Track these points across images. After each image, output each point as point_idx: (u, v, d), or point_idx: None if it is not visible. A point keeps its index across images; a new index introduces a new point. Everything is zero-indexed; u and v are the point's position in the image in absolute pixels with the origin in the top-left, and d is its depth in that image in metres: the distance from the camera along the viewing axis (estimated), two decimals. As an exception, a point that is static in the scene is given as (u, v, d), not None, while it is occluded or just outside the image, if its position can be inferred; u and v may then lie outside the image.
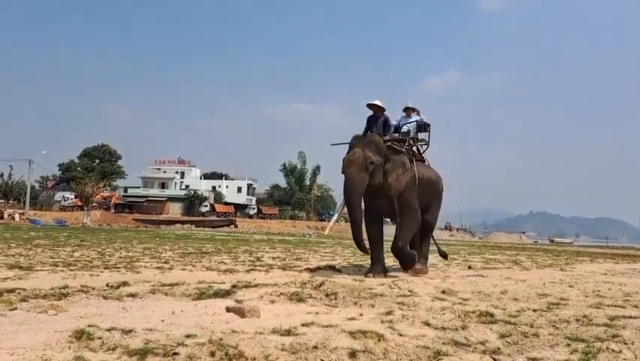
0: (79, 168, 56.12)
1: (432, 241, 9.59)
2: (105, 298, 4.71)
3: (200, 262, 9.35)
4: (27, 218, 36.75)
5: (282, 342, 3.26)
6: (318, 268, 8.60)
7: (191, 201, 60.55)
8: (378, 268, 8.03)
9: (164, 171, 69.41)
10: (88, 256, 9.63)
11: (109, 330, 3.36)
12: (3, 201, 44.26)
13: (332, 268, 8.86)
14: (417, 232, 8.73)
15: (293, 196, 67.54)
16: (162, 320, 3.89)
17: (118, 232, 24.61)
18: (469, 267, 10.45)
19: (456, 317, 4.37)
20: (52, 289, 5.04)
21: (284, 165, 70.48)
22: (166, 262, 8.82)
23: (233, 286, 5.67)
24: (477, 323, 4.11)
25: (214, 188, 69.54)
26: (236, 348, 3.08)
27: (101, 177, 52.49)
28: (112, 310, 4.19)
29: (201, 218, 50.91)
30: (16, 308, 4.12)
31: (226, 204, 63.60)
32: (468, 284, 6.81)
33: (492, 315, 4.44)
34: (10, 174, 46.36)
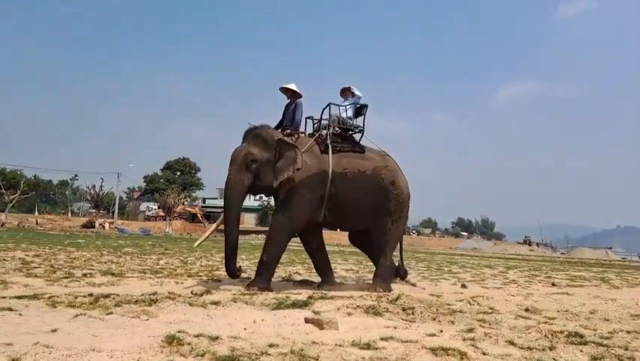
0: (162, 180, 59.19)
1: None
2: (191, 305, 4.94)
3: (276, 271, 9.53)
4: (115, 227, 39.15)
5: (362, 356, 3.27)
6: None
7: (265, 212, 61.86)
8: (327, 280, 7.36)
9: (240, 183, 71.27)
10: (172, 265, 10.13)
11: (197, 336, 3.52)
12: (95, 211, 47.54)
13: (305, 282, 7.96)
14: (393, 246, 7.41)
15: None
16: (245, 328, 4.02)
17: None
18: (553, 284, 9.95)
19: (542, 336, 4.18)
20: (143, 295, 5.34)
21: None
22: (244, 271, 9.08)
23: (310, 298, 5.74)
24: (565, 344, 3.92)
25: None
26: (317, 359, 3.13)
27: (181, 188, 54.98)
28: (198, 317, 4.39)
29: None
30: (111, 313, 4.40)
31: (298, 215, 64.31)
32: (553, 302, 6.48)
33: (582, 336, 4.21)
34: (101, 185, 49.71)
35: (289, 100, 7.28)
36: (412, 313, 5.06)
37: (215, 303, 5.08)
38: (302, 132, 7.23)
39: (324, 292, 6.47)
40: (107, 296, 5.12)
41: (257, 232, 46.07)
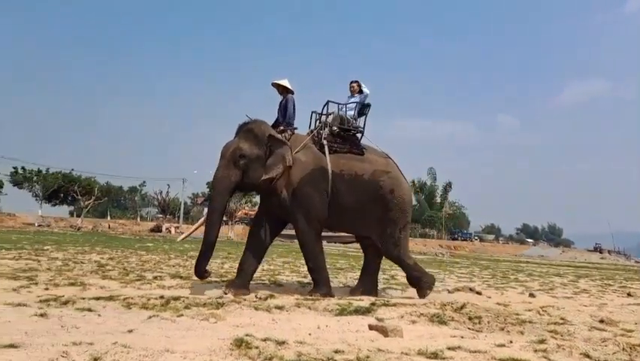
0: (223, 186, 60.80)
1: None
2: (256, 309, 5.04)
3: (337, 277, 9.58)
4: (181, 231, 40.57)
5: (429, 365, 3.23)
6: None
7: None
8: (237, 282, 6.50)
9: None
10: (235, 268, 10.36)
11: (264, 340, 3.60)
12: (162, 215, 49.54)
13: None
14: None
15: (423, 214, 66.30)
16: (309, 334, 4.06)
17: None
18: (629, 294, 9.40)
19: (620, 349, 3.96)
20: (210, 298, 5.52)
21: (413, 182, 69.64)
22: (305, 277, 9.18)
23: (372, 304, 5.72)
24: (647, 359, 3.69)
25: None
26: (383, 367, 3.12)
27: (243, 194, 56.29)
28: (263, 321, 4.48)
29: (332, 233, 51.61)
30: (182, 315, 4.57)
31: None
32: (629, 314, 6.14)
33: (664, 351, 3.95)
34: (167, 191, 51.75)
35: (281, 96, 7.00)
36: (479, 323, 4.92)
37: (280, 307, 5.17)
38: (296, 128, 6.93)
39: (386, 299, 6.44)
40: (176, 299, 5.32)
41: (328, 237, 46.36)
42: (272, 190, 6.44)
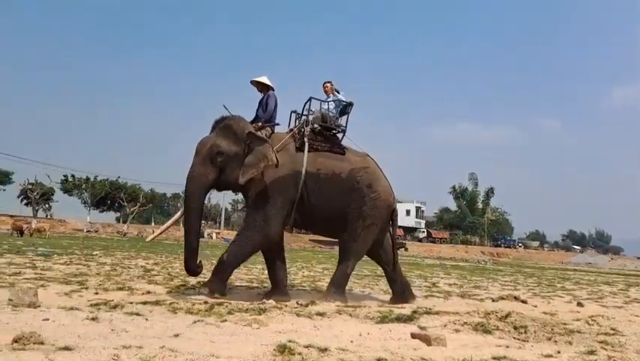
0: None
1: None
2: (298, 315, 5.08)
3: (377, 285, 9.53)
4: (222, 237, 41.25)
5: (474, 374, 3.17)
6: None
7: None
8: (276, 289, 6.56)
9: (337, 195, 72.29)
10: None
11: (307, 347, 3.62)
12: (203, 222, 50.49)
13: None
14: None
15: (464, 220, 65.13)
16: (351, 341, 4.06)
17: (297, 252, 26.31)
18: (686, 305, 8.94)
19: (676, 364, 3.79)
20: (252, 303, 5.60)
21: (453, 187, 68.61)
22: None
23: (414, 312, 5.67)
24: None
25: (383, 211, 70.26)
26: (427, 376, 3.09)
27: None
28: (305, 328, 4.51)
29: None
30: (225, 320, 4.66)
31: (395, 226, 63.65)
32: (686, 326, 5.84)
33: None
34: (209, 198, 52.75)
35: (261, 93, 6.79)
36: (525, 333, 4.80)
37: (321, 314, 5.19)
38: (278, 124, 6.78)
39: (428, 307, 6.36)
40: (220, 304, 5.43)
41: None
42: (245, 188, 6.26)
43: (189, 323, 4.40)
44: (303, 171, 6.28)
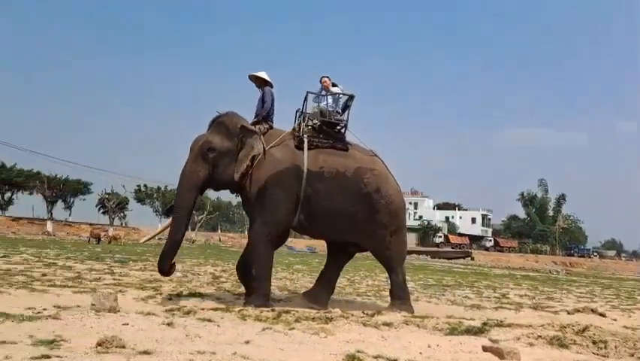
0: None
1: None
2: (364, 325, 5.06)
3: (444, 295, 9.34)
4: (285, 245, 41.84)
5: (552, 392, 3.04)
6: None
7: (425, 232, 60.92)
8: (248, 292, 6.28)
9: (399, 202, 71.68)
10: (340, 283, 10.48)
11: (375, 357, 3.61)
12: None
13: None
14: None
15: (534, 228, 62.46)
16: (420, 353, 4.00)
17: (360, 261, 26.17)
18: None
19: None
20: (319, 312, 5.63)
21: (522, 194, 66.01)
22: (411, 293, 9.05)
23: (484, 324, 5.50)
24: None
25: (447, 218, 68.91)
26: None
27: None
28: (373, 338, 4.48)
29: (436, 249, 50.73)
30: (293, 328, 4.71)
31: (460, 235, 62.27)
32: None
33: None
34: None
35: (259, 89, 6.60)
36: (605, 348, 4.54)
37: (388, 324, 5.14)
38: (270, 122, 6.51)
39: (499, 319, 6.15)
40: (287, 312, 5.50)
41: (418, 252, 45.52)
42: (243, 186, 6.08)
43: (258, 330, 4.49)
44: (305, 169, 6.01)
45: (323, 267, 7.13)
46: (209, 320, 4.83)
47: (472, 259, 44.01)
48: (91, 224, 41.64)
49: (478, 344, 4.37)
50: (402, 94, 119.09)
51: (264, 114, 6.39)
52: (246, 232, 7.19)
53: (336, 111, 6.59)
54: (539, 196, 65.79)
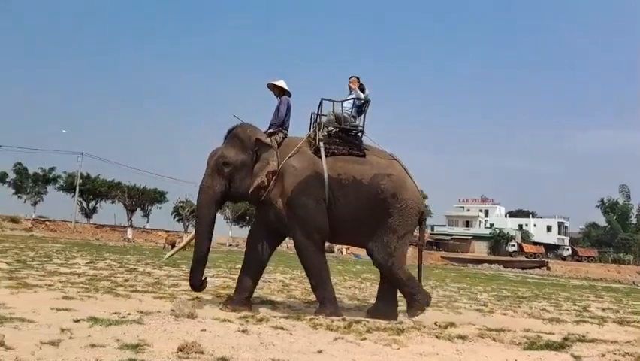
0: (391, 208, 61.36)
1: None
2: (437, 337, 4.97)
3: (520, 307, 8.97)
4: (352, 253, 41.78)
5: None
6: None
7: (497, 240, 58.78)
8: (235, 298, 6.19)
9: (468, 210, 69.84)
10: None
11: (451, 372, 3.53)
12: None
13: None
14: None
15: (615, 236, 58.57)
16: (498, 368, 3.88)
17: (429, 269, 25.68)
18: None
19: None
20: (389, 323, 5.59)
21: (602, 200, 62.20)
22: (484, 305, 8.77)
23: (565, 339, 5.25)
24: None
25: (520, 227, 66.09)
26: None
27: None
28: (447, 351, 4.39)
29: (509, 258, 48.92)
30: (365, 338, 4.70)
31: (535, 244, 59.53)
32: None
33: None
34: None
35: (277, 98, 6.53)
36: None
37: (462, 337, 5.01)
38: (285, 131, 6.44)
39: (580, 333, 5.84)
40: (358, 322, 5.50)
41: (489, 262, 44.09)
42: (266, 201, 6.05)
43: (330, 340, 4.52)
44: (326, 176, 5.96)
45: (380, 281, 6.78)
46: (282, 328, 4.92)
47: (548, 269, 42.07)
48: (166, 231, 43.61)
49: (559, 360, 4.18)
50: (470, 95, 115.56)
51: (279, 123, 6.39)
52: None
53: (352, 116, 6.51)
54: (621, 203, 61.83)
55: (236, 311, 5.79)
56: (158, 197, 52.30)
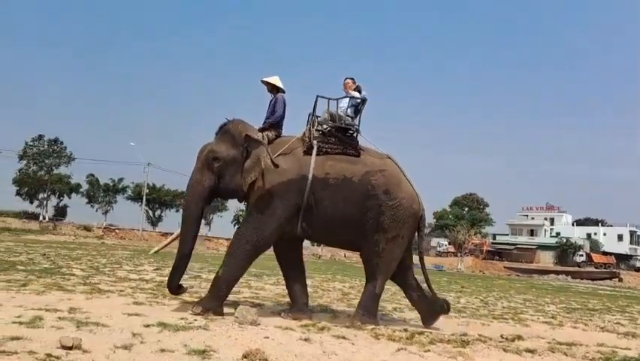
0: (450, 217, 59.98)
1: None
2: (505, 350, 4.80)
3: (591, 320, 8.52)
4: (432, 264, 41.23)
5: None
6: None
7: (564, 250, 56.18)
8: (295, 306, 6.16)
9: (532, 218, 67.24)
10: (473, 304, 10.07)
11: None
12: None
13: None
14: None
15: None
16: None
17: (492, 280, 24.90)
18: None
19: None
20: (453, 335, 5.46)
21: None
22: (553, 317, 8.40)
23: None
24: None
25: (589, 236, 62.80)
26: None
27: (470, 224, 54.57)
28: (515, 365, 4.24)
29: (577, 269, 46.68)
30: (428, 350, 4.62)
31: (605, 253, 56.44)
32: None
33: None
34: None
35: (271, 94, 6.37)
36: None
37: (531, 351, 4.83)
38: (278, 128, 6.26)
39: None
40: (420, 333, 5.41)
41: (556, 272, 42.22)
42: (247, 195, 5.92)
43: (393, 351, 4.48)
44: (310, 176, 5.78)
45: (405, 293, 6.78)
46: (344, 338, 4.91)
47: (620, 280, 39.83)
48: (227, 239, 44.71)
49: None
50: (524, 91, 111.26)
51: (274, 122, 6.29)
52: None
53: (349, 116, 6.37)
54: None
55: (297, 320, 5.79)
56: (219, 206, 53.76)
